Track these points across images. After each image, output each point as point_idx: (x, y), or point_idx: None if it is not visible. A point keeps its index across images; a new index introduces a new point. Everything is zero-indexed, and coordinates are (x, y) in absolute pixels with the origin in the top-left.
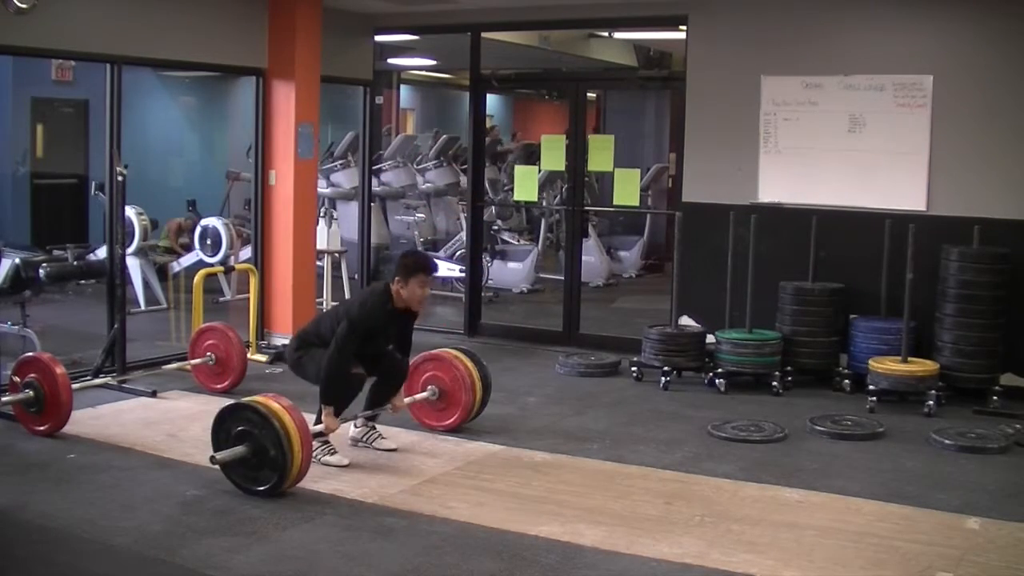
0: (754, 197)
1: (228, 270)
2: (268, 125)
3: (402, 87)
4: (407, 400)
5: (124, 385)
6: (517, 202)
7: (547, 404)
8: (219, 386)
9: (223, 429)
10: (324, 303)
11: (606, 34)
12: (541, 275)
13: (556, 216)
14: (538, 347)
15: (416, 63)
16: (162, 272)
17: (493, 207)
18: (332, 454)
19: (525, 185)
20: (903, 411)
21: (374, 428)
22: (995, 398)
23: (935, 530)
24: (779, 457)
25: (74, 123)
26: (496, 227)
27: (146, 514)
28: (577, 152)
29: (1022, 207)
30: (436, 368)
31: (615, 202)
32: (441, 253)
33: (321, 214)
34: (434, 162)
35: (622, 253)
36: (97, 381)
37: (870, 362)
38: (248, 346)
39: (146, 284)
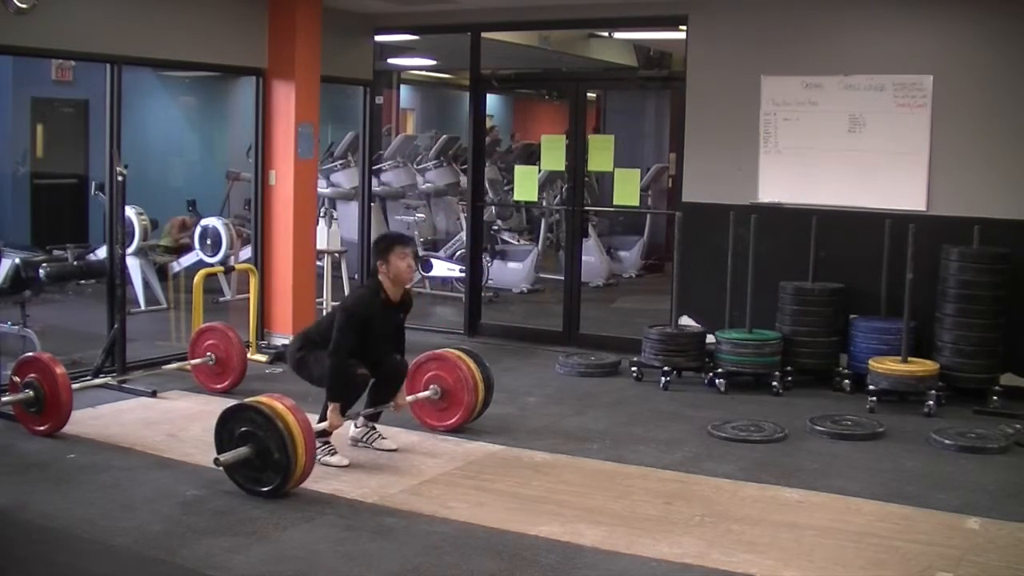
0: (754, 197)
1: (228, 270)
2: (268, 125)
3: (402, 87)
4: (409, 398)
5: (124, 385)
6: (517, 202)
7: (547, 404)
8: (219, 386)
9: (226, 430)
10: (324, 303)
11: (606, 34)
12: (541, 275)
13: (556, 216)
14: (538, 347)
15: (416, 63)
16: (162, 272)
17: (493, 207)
18: (333, 454)
19: (525, 185)
20: (903, 411)
21: (374, 428)
22: (995, 398)
23: (935, 530)
24: (779, 457)
25: (74, 123)
26: (496, 227)
27: (146, 514)
28: (577, 152)
29: (1022, 207)
30: (439, 368)
31: (615, 202)
32: (441, 253)
33: (321, 214)
34: (434, 162)
35: (622, 253)
36: (97, 381)
37: (870, 362)
38: (248, 346)
39: (146, 284)
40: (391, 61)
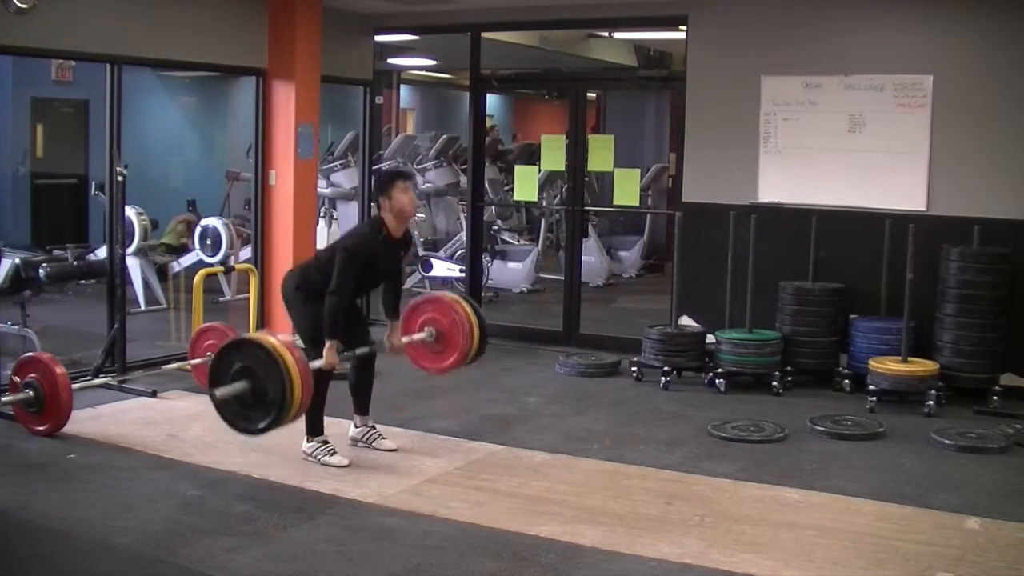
0: (754, 197)
1: (228, 270)
2: (268, 125)
3: (402, 87)
4: (404, 339)
5: (124, 385)
6: (517, 202)
7: (547, 404)
8: None
9: (223, 365)
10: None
11: (606, 34)
12: (541, 275)
13: (556, 216)
14: (538, 347)
15: (416, 63)
16: (162, 272)
17: (493, 207)
18: (332, 454)
19: (525, 185)
20: (903, 411)
21: (374, 428)
22: (995, 398)
23: (935, 530)
24: (779, 457)
25: (74, 123)
26: (496, 227)
27: (146, 514)
28: (577, 152)
29: (1022, 207)
30: (434, 310)
31: (615, 202)
32: (441, 253)
33: (321, 214)
34: (434, 162)
35: (622, 253)
36: (97, 381)
37: (870, 362)
38: None
39: (146, 284)
40: (391, 61)
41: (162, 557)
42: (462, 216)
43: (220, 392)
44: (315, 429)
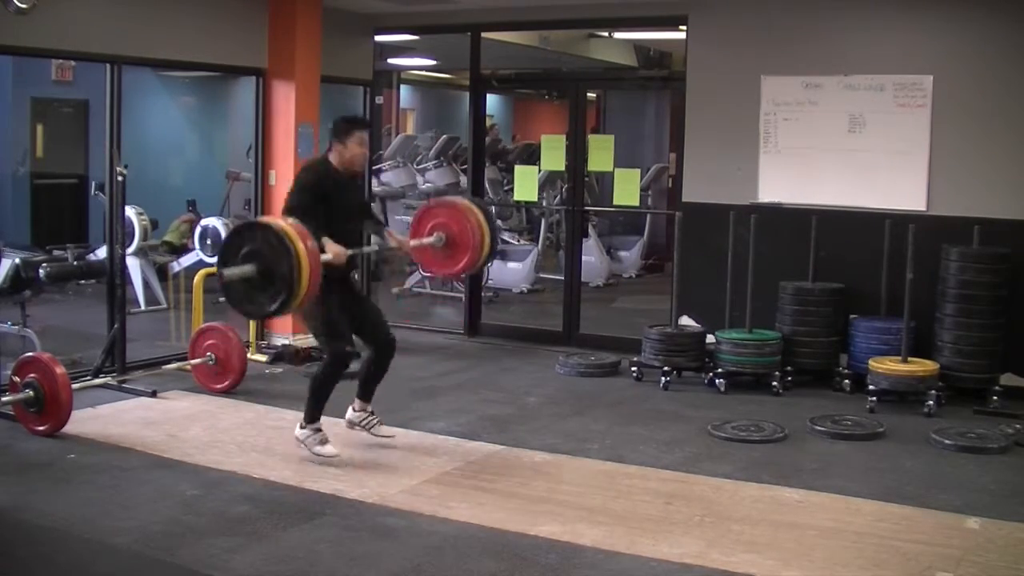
0: (754, 197)
1: None
2: (268, 125)
3: (402, 87)
4: (413, 243)
5: (124, 385)
6: (517, 202)
7: (547, 404)
8: (219, 386)
9: (232, 246)
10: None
11: (606, 34)
12: (541, 275)
13: (556, 216)
14: (538, 347)
15: (416, 63)
16: (162, 272)
17: (493, 207)
18: (323, 444)
19: (525, 185)
20: (903, 411)
21: (373, 413)
22: (995, 398)
23: (935, 530)
24: (779, 457)
25: (74, 123)
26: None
27: (146, 514)
28: (577, 152)
29: (1022, 207)
30: (445, 216)
31: (615, 202)
32: None
33: None
34: (434, 162)
35: (622, 253)
36: (97, 381)
37: (870, 362)
38: (248, 346)
39: (146, 284)
40: (391, 61)
41: (162, 557)
42: None
43: (228, 272)
44: (312, 417)
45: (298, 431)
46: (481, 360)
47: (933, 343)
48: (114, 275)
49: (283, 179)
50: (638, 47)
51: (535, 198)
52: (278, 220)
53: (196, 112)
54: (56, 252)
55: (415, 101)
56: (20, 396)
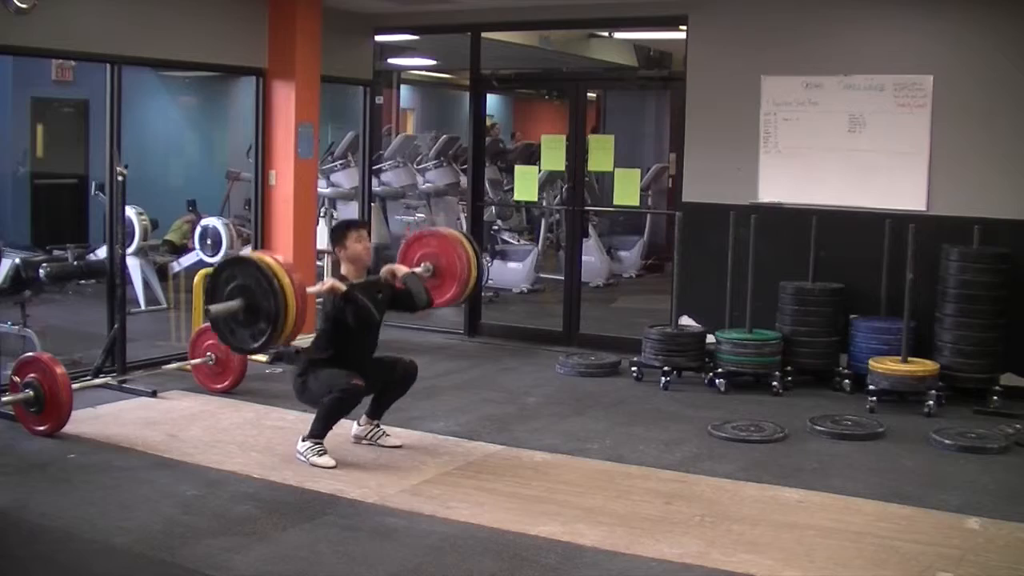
0: (754, 197)
1: None
2: (268, 125)
3: (402, 87)
4: (405, 271)
5: (124, 385)
6: (517, 202)
7: (547, 404)
8: (219, 386)
9: (219, 282)
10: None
11: (606, 34)
12: (541, 275)
13: (556, 216)
14: (538, 347)
15: (416, 63)
16: (162, 272)
17: (493, 207)
18: (321, 455)
19: (525, 185)
20: (903, 411)
21: (379, 426)
22: (995, 398)
23: (935, 530)
24: (779, 457)
25: (74, 123)
26: (496, 227)
27: (146, 514)
28: (577, 152)
29: (1022, 207)
30: (433, 246)
31: (615, 202)
32: None
33: (321, 214)
34: (434, 162)
35: (622, 253)
36: (97, 381)
37: (870, 362)
38: None
39: (146, 284)
40: (391, 61)
41: (162, 557)
42: (462, 216)
43: (215, 309)
44: (317, 434)
45: (300, 444)
46: (481, 360)
47: (933, 343)
48: (114, 275)
49: (283, 179)
50: (638, 47)
51: (535, 198)
52: (264, 255)
53: (196, 112)
54: (56, 252)
55: (415, 101)
56: (20, 396)
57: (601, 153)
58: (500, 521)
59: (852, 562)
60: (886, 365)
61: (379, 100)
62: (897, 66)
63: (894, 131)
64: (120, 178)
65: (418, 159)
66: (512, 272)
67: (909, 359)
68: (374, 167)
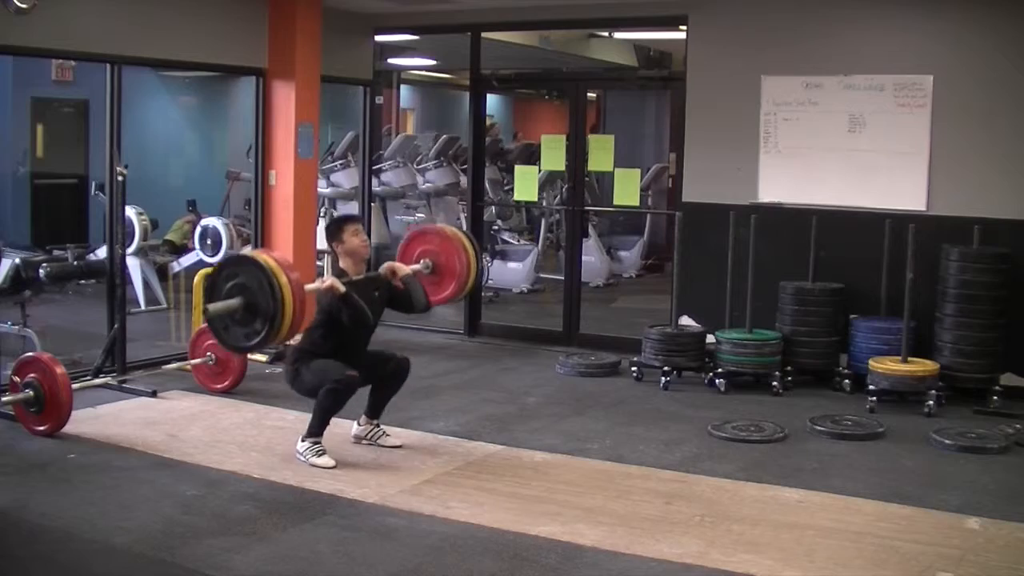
0: (754, 197)
1: None
2: (268, 125)
3: (402, 87)
4: (405, 268)
5: (124, 385)
6: (517, 202)
7: (547, 404)
8: (219, 386)
9: (218, 281)
10: None
11: (606, 34)
12: (541, 275)
13: (556, 216)
14: (538, 347)
15: (416, 63)
16: (162, 272)
17: (493, 207)
18: (320, 455)
19: (525, 185)
20: (903, 411)
21: (378, 425)
22: (995, 398)
23: (935, 530)
24: (779, 457)
25: (74, 123)
26: (496, 227)
27: (146, 514)
28: (577, 152)
29: (1022, 207)
30: (433, 243)
31: (615, 202)
32: None
33: (321, 214)
34: (434, 162)
35: (622, 253)
36: (97, 381)
37: (870, 362)
38: None
39: (146, 284)
40: (391, 61)
41: (162, 557)
42: (462, 216)
43: (212, 307)
44: (315, 432)
45: (299, 444)
46: (481, 360)
47: (933, 343)
48: (114, 275)
49: (283, 179)
50: (638, 47)
51: (535, 198)
52: (264, 254)
53: (196, 112)
54: (56, 252)
55: (415, 101)
56: (20, 396)
57: (601, 153)
58: (500, 521)
59: (852, 562)
60: (886, 365)
61: (379, 100)
62: (897, 66)
63: (894, 131)
64: (120, 178)
65: (418, 159)
66: (512, 272)
67: (909, 359)
68: (374, 167)
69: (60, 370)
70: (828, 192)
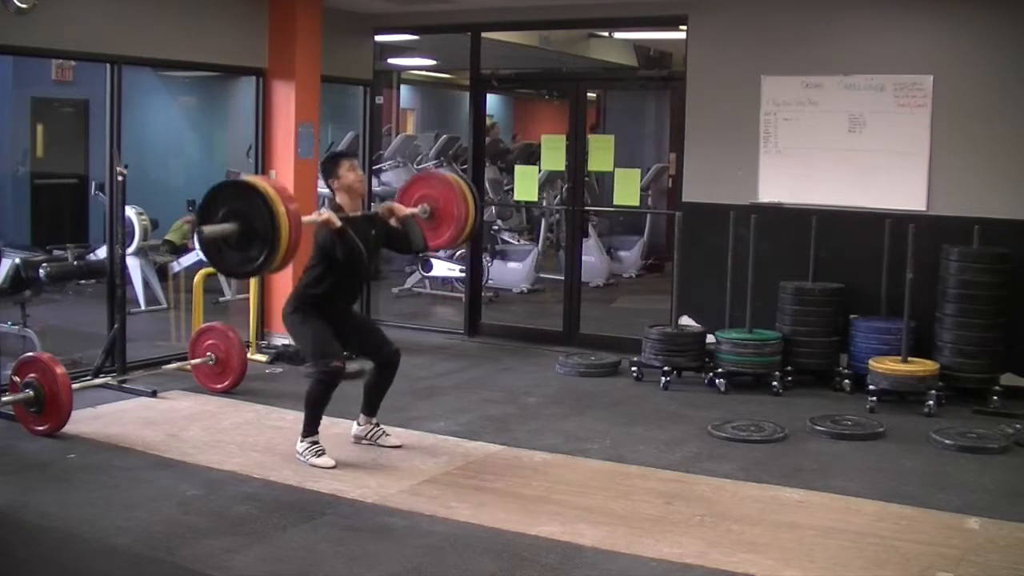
0: (754, 197)
1: None
2: (268, 125)
3: (402, 87)
4: (405, 210)
5: (124, 385)
6: (517, 202)
7: (547, 404)
8: (219, 386)
9: (214, 205)
10: None
11: (606, 34)
12: (541, 275)
13: (556, 216)
14: (538, 347)
15: (416, 63)
16: (162, 272)
17: (493, 207)
18: (319, 455)
19: (525, 185)
20: (903, 411)
21: (378, 425)
22: (995, 398)
23: (935, 530)
24: (779, 457)
25: (74, 123)
26: (496, 227)
27: (146, 514)
28: (577, 152)
29: (1022, 207)
30: (431, 188)
31: (615, 202)
32: (441, 253)
33: None
34: (434, 162)
35: (622, 253)
36: (97, 381)
37: (870, 362)
38: (248, 346)
39: (146, 284)
40: (391, 61)
41: (162, 557)
42: None
43: (208, 230)
44: (310, 430)
45: (298, 444)
46: (481, 360)
47: (933, 343)
48: (114, 275)
49: (283, 179)
50: (638, 47)
51: (535, 198)
52: (260, 180)
53: (196, 112)
54: (56, 252)
55: (415, 101)
56: (20, 396)
57: (601, 153)
58: (500, 521)
59: (852, 562)
60: (886, 365)
61: (379, 100)
62: (897, 66)
63: (894, 131)
64: (120, 178)
65: (418, 159)
66: (512, 272)
67: (909, 359)
68: (374, 167)
69: (60, 370)
70: (828, 192)
